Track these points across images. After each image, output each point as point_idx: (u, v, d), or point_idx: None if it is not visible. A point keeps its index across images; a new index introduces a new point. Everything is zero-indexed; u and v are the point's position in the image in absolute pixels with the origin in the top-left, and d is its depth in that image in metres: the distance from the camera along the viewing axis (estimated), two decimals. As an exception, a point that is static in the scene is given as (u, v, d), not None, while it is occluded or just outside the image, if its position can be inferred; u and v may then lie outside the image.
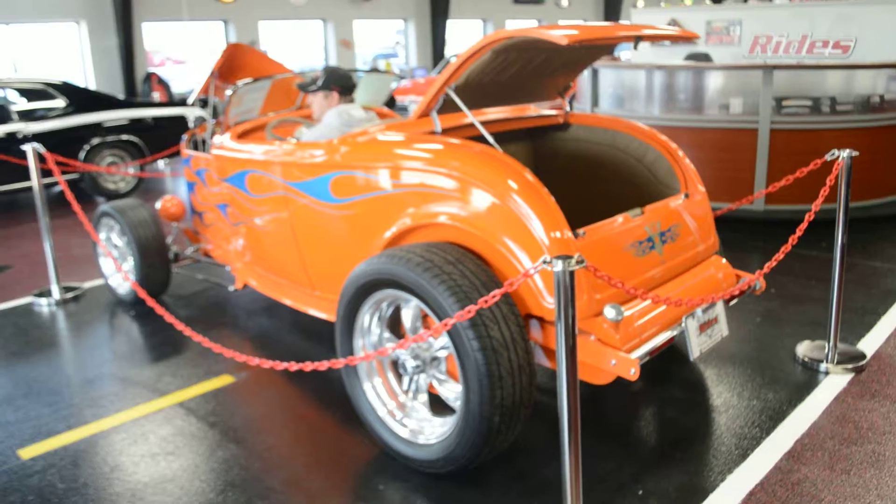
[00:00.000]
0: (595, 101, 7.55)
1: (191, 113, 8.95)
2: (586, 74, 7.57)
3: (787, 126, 6.35)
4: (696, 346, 2.93)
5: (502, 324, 2.60)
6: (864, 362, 3.75)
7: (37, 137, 8.03)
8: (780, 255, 3.26)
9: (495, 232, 2.81)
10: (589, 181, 3.86)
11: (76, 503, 2.85)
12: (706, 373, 3.74)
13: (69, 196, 5.16)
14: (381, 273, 2.83)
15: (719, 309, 3.10)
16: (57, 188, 8.58)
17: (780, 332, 4.21)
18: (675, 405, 3.44)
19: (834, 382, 3.60)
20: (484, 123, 3.34)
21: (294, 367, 2.82)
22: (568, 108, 4.00)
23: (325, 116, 3.88)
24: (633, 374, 2.59)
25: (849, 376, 3.66)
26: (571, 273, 2.05)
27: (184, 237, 5.34)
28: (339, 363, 2.70)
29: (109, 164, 8.77)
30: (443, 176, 2.96)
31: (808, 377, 3.66)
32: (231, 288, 4.57)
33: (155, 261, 4.85)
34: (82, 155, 8.49)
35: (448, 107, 3.25)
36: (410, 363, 2.96)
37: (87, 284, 5.57)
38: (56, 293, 5.28)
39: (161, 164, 10.46)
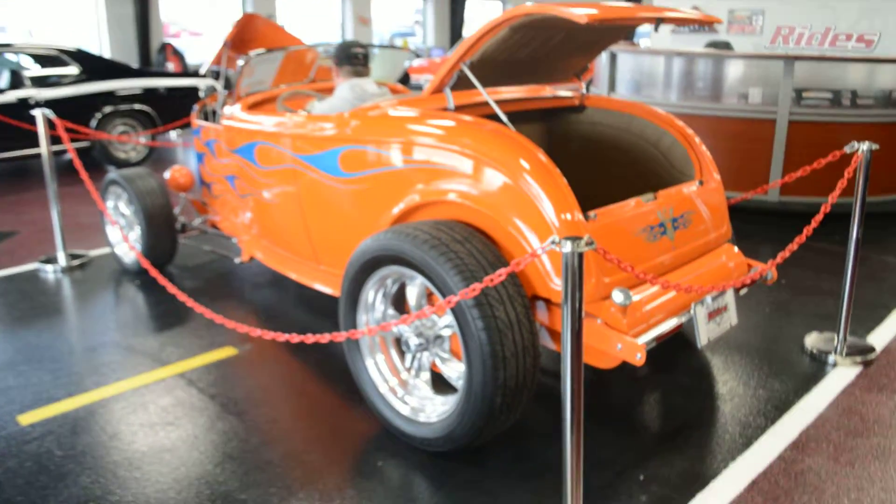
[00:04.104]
0: (612, 86, 7.46)
1: (203, 83, 8.91)
2: (604, 59, 7.48)
3: (806, 118, 6.26)
4: (705, 334, 2.89)
5: (508, 304, 2.56)
6: (873, 356, 3.71)
7: (49, 104, 8.02)
8: (793, 246, 3.21)
9: (505, 211, 2.76)
10: (602, 164, 3.80)
11: (73, 470, 2.84)
12: (712, 361, 3.70)
13: (77, 163, 5.13)
14: (386, 249, 2.79)
15: (729, 297, 3.05)
16: (68, 156, 8.57)
17: (789, 323, 4.16)
18: (680, 392, 3.40)
19: (842, 375, 3.55)
20: (498, 102, 3.29)
21: (295, 338, 2.79)
22: (584, 90, 3.93)
23: (336, 89, 3.84)
24: (639, 359, 2.55)
25: (857, 369, 3.61)
26: (580, 255, 2.00)
27: (192, 208, 5.31)
28: (340, 336, 2.67)
29: (121, 133, 8.75)
30: (454, 153, 2.91)
31: (816, 369, 3.62)
32: (237, 260, 4.54)
33: (161, 231, 4.83)
34: (94, 123, 8.47)
35: (462, 84, 3.19)
36: (414, 341, 2.93)
37: (94, 252, 5.57)
38: (62, 260, 5.27)
39: (174, 134, 10.44)
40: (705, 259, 3.22)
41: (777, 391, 3.39)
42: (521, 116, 3.73)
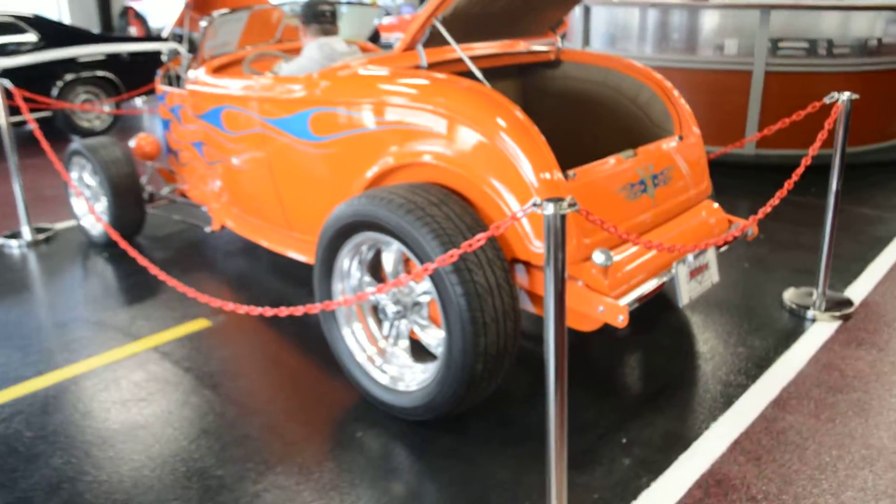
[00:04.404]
0: (586, 40, 7.34)
1: (166, 47, 8.67)
2: (578, 12, 7.34)
3: (783, 69, 6.20)
4: (686, 293, 2.85)
5: (487, 269, 2.50)
6: (851, 310, 3.70)
7: (7, 73, 7.73)
8: (774, 201, 3.16)
9: (482, 172, 2.68)
10: (580, 121, 3.72)
11: (44, 451, 2.76)
12: (692, 319, 3.67)
13: (38, 134, 4.96)
14: (361, 215, 2.70)
15: (710, 255, 3.01)
16: (29, 126, 8.32)
17: (767, 279, 4.15)
18: (661, 352, 3.37)
19: (821, 330, 3.55)
20: (472, 59, 3.17)
21: (269, 312, 2.70)
22: (560, 45, 3.83)
23: (304, 49, 3.70)
24: (621, 321, 2.50)
25: (836, 324, 3.60)
26: (562, 217, 1.93)
27: (159, 177, 5.16)
28: (315, 308, 2.59)
29: (84, 101, 8.49)
30: (428, 113, 2.81)
31: (795, 324, 3.61)
32: (207, 229, 4.43)
33: (128, 201, 4.69)
34: (55, 92, 8.20)
35: (434, 40, 3.08)
36: (391, 308, 2.86)
37: (60, 225, 5.41)
38: (27, 234, 5.11)
39: (139, 101, 10.17)
40: (686, 216, 3.17)
41: (757, 348, 3.37)
42: (496, 73, 3.62)
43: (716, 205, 3.34)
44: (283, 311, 2.67)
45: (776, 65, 6.18)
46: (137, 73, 8.66)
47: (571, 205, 1.93)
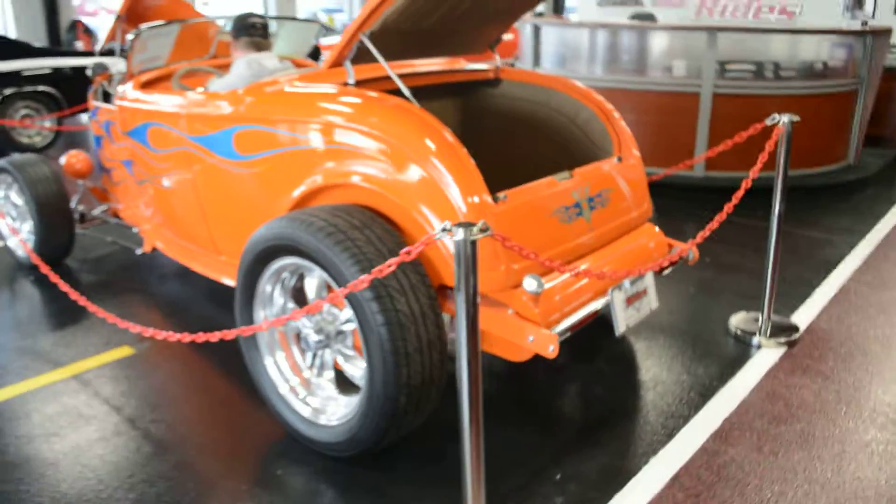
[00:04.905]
0: (536, 60, 7.30)
1: (91, 62, 8.46)
2: (528, 32, 7.30)
3: (730, 91, 6.20)
4: (623, 321, 2.74)
5: (410, 295, 2.36)
6: (796, 336, 3.63)
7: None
8: (713, 224, 3.08)
9: (409, 195, 2.55)
10: (519, 141, 3.61)
11: (-68, 493, 2.55)
12: (635, 346, 3.57)
13: (-39, 149, 4.72)
14: (280, 238, 2.55)
15: (649, 281, 2.90)
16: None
17: (713, 303, 4.07)
18: (601, 381, 3.25)
19: (766, 357, 3.46)
20: (406, 76, 3.05)
21: (187, 338, 2.56)
22: (499, 63, 3.73)
23: (233, 66, 3.55)
24: (551, 351, 2.38)
25: (781, 350, 3.52)
26: (473, 242, 1.80)
27: (91, 196, 4.95)
28: (230, 334, 2.43)
29: (24, 116, 8.21)
30: (354, 132, 2.68)
31: (740, 351, 3.52)
32: (139, 251, 4.23)
33: (56, 222, 4.46)
34: (-7, 106, 7.93)
35: (366, 57, 2.95)
36: (313, 337, 2.70)
37: (-14, 246, 5.16)
38: (-51, 255, 4.86)
39: (86, 117, 9.89)
40: (625, 240, 3.07)
41: (700, 377, 3.28)
42: (433, 91, 3.51)
43: (656, 228, 3.25)
44: (201, 337, 2.52)
45: (724, 87, 6.18)
46: (80, 89, 8.39)
47: (483, 230, 1.81)
